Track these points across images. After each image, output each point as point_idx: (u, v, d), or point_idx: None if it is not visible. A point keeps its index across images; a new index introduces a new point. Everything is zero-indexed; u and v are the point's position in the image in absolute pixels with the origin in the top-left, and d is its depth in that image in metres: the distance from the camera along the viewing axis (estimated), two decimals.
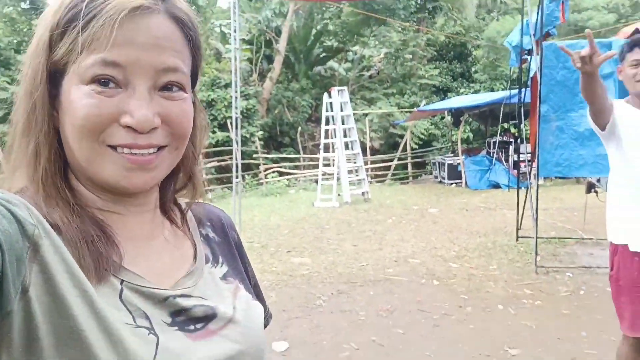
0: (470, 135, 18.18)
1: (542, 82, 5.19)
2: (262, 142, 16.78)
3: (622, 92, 5.05)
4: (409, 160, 16.89)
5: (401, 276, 5.39)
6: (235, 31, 6.74)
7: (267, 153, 17.23)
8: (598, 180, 5.89)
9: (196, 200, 0.78)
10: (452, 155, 14.52)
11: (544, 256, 5.79)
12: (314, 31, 21.05)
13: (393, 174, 16.54)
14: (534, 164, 6.79)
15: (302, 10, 20.71)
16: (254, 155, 15.85)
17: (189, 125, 0.66)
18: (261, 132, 17.28)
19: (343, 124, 11.13)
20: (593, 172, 5.35)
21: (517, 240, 6.64)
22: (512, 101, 12.09)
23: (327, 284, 5.20)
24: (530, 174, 6.48)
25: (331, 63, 22.11)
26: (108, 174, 0.61)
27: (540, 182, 10.11)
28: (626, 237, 2.53)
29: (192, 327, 0.65)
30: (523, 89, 6.96)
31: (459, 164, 13.31)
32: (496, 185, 12.59)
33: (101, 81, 0.59)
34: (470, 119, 16.25)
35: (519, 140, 14.03)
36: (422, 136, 18.55)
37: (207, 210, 0.84)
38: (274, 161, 17.12)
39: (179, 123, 0.64)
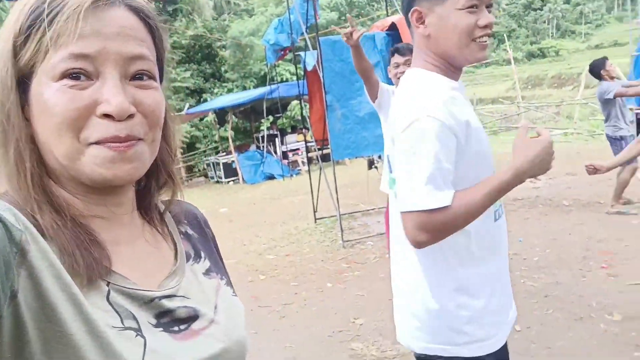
0: (233, 132, 18.66)
1: (324, 75, 5.67)
2: None
3: (388, 80, 5.87)
4: (181, 165, 16.51)
5: None
6: None
7: None
8: (379, 157, 6.72)
9: (175, 199, 0.79)
10: (224, 153, 14.72)
11: (344, 231, 6.37)
12: None
13: None
14: (319, 150, 7.38)
15: None
16: None
17: (161, 114, 0.66)
18: None
19: None
20: (376, 150, 6.10)
21: (315, 222, 7.16)
22: (272, 96, 12.87)
23: None
24: (319, 158, 7.01)
25: None
26: (90, 169, 0.61)
27: (306, 168, 11.03)
28: None
29: (176, 328, 0.66)
30: (301, 82, 7.46)
31: (233, 161, 13.58)
32: (271, 177, 13.24)
33: (72, 75, 0.59)
34: (235, 117, 16.66)
35: (284, 132, 15.00)
36: (185, 139, 18.30)
37: (184, 208, 0.84)
38: None
39: (152, 111, 0.64)
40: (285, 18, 8.52)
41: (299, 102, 13.68)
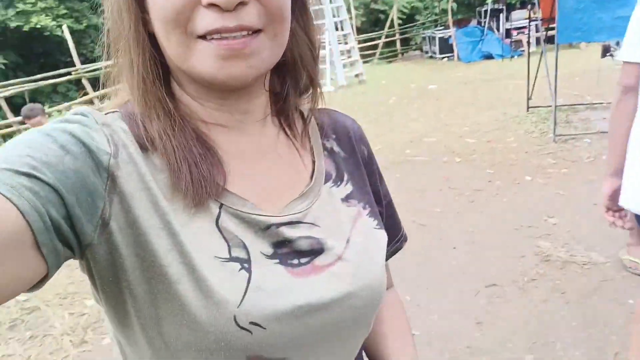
0: (455, 5, 17.52)
1: None
2: None
3: None
4: (397, 37, 16.33)
5: (421, 156, 5.38)
6: None
7: None
8: (617, 44, 5.73)
9: (316, 106, 0.67)
10: (442, 28, 14.04)
11: (558, 124, 5.77)
12: None
13: (380, 53, 16.07)
14: (544, 30, 6.57)
15: None
16: None
17: (284, 2, 0.54)
18: None
19: (330, 3, 10.52)
20: (611, 35, 5.16)
21: (527, 110, 6.61)
22: None
23: None
24: (542, 40, 6.26)
25: None
26: (202, 68, 0.53)
27: (532, 49, 9.93)
28: None
29: (296, 261, 0.58)
30: None
31: (450, 36, 12.92)
32: (489, 56, 12.36)
33: None
34: None
35: (510, 7, 13.57)
36: (405, 10, 17.82)
37: (334, 119, 0.72)
38: None
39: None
40: None
41: None
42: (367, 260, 0.63)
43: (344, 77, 10.54)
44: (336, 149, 0.70)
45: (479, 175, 4.67)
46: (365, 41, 16.29)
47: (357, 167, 0.71)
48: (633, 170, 1.61)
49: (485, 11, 13.20)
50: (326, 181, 0.66)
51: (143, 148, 0.54)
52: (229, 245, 0.54)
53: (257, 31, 0.53)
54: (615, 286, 2.77)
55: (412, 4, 18.21)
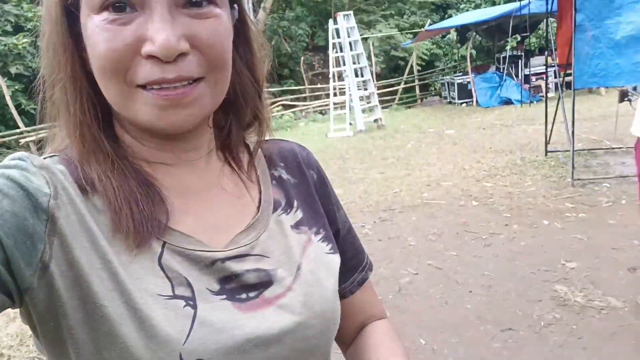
0: (474, 52, 17.81)
1: None
2: None
3: None
4: (416, 82, 16.59)
5: (438, 199, 5.40)
6: None
7: (268, 87, 16.88)
8: (634, 89, 5.78)
9: (268, 139, 0.68)
10: (461, 74, 14.23)
11: (577, 168, 5.76)
12: None
13: (399, 98, 16.32)
14: (562, 76, 6.65)
15: None
16: None
17: (224, 50, 0.54)
18: None
19: (351, 50, 10.82)
20: (630, 80, 5.23)
21: (546, 155, 6.61)
22: (522, 13, 11.74)
23: (366, 213, 5.21)
24: (560, 85, 6.35)
25: None
26: (142, 116, 0.53)
27: (551, 94, 9.99)
28: None
29: (244, 295, 0.57)
30: None
31: (468, 82, 13.09)
32: (508, 102, 12.44)
33: (115, 5, 0.50)
34: (477, 35, 15.81)
35: (529, 53, 13.74)
36: (424, 57, 18.17)
37: (281, 148, 0.73)
38: (276, 95, 16.82)
39: (211, 46, 0.52)
40: None
41: (554, 18, 12.25)
42: (318, 289, 0.62)
43: (363, 123, 10.70)
44: (285, 176, 0.70)
45: (495, 219, 4.67)
46: (384, 87, 16.58)
47: (308, 192, 0.71)
48: None
49: (504, 57, 13.39)
50: (275, 210, 0.66)
51: (83, 190, 0.53)
52: (172, 284, 0.53)
53: (197, 79, 0.53)
54: (634, 331, 2.72)
55: (432, 51, 18.57)
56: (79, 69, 0.54)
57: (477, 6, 19.14)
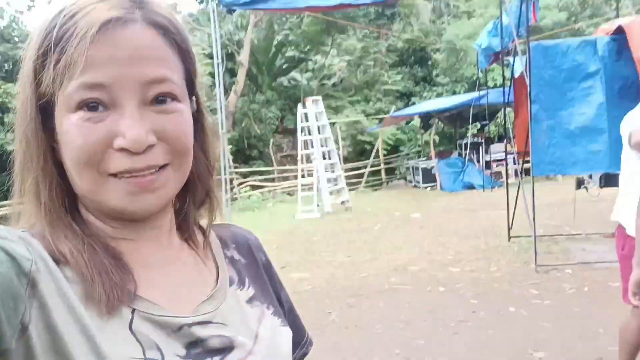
0: (437, 138, 18.51)
1: (531, 83, 5.27)
2: (231, 157, 16.58)
3: (609, 91, 5.20)
4: (382, 166, 16.98)
5: (405, 285, 5.35)
6: (217, 41, 6.59)
7: (237, 167, 17.02)
8: (590, 176, 6.02)
9: (214, 217, 0.74)
10: (425, 158, 14.68)
11: (539, 254, 5.84)
12: (275, 42, 21.01)
13: (366, 181, 16.60)
14: (520, 163, 6.90)
15: (263, 22, 20.65)
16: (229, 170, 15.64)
17: (187, 140, 0.61)
18: (230, 147, 17.07)
19: (319, 133, 11.09)
20: (585, 168, 5.47)
21: (509, 240, 6.72)
22: (481, 102, 12.37)
23: (333, 299, 5.10)
24: (519, 172, 6.58)
25: (293, 73, 22.15)
26: (113, 202, 0.58)
27: (511, 180, 10.33)
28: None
29: (208, 359, 0.61)
30: (507, 89, 7.06)
31: (432, 167, 13.47)
32: (470, 187, 12.78)
33: (90, 105, 0.56)
34: (440, 122, 16.50)
35: (489, 140, 14.33)
36: (390, 142, 18.75)
37: (232, 232, 0.79)
38: (245, 175, 16.92)
39: (176, 138, 0.59)
40: (500, 21, 8.13)
41: (510, 109, 12.97)
42: (276, 354, 0.67)
43: (330, 204, 10.76)
44: (237, 257, 0.75)
45: (463, 305, 4.62)
46: (351, 170, 16.89)
47: (258, 272, 0.77)
48: None
49: (466, 144, 13.92)
50: (230, 284, 0.70)
51: (55, 261, 0.56)
52: (143, 348, 0.56)
53: (163, 166, 0.59)
54: None
55: (397, 136, 19.21)
56: (50, 159, 0.59)
57: (439, 95, 20.15)
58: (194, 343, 0.60)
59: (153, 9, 0.59)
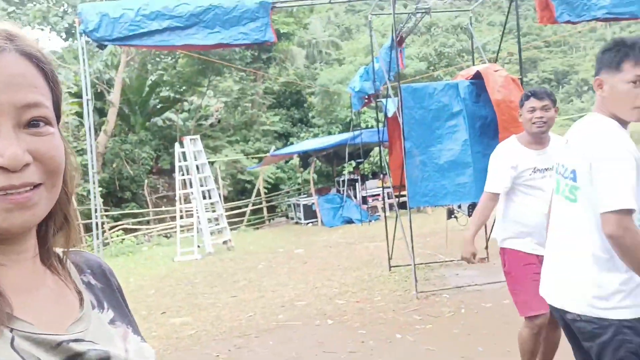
0: (315, 176, 19.00)
1: (403, 122, 5.63)
2: (101, 199, 15.51)
3: (471, 129, 5.72)
4: (264, 204, 16.95)
5: (294, 320, 5.30)
6: (86, 78, 6.20)
7: (108, 210, 15.95)
8: (459, 207, 6.50)
9: (72, 245, 0.78)
10: (305, 195, 14.94)
11: (419, 281, 6.14)
12: (148, 82, 20.39)
13: (247, 220, 16.43)
14: (396, 197, 7.28)
15: (135, 62, 19.99)
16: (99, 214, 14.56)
17: (61, 160, 0.66)
18: (99, 189, 15.99)
19: (198, 172, 10.81)
20: (454, 199, 5.90)
21: (389, 270, 6.98)
22: (355, 142, 12.98)
23: (219, 341, 4.88)
24: (395, 205, 6.93)
25: (168, 114, 21.61)
26: None
27: (388, 213, 10.87)
28: (511, 241, 3.17)
29: None
30: (381, 129, 7.47)
31: (313, 204, 13.72)
32: (349, 221, 13.20)
33: None
34: (318, 161, 16.97)
35: (365, 177, 15.02)
36: (270, 180, 18.86)
37: (86, 258, 0.83)
38: (116, 218, 15.92)
39: (50, 158, 0.64)
40: (371, 66, 8.66)
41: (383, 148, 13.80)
42: None
43: (212, 245, 10.46)
44: (93, 282, 0.79)
45: (352, 336, 4.67)
46: (232, 209, 16.65)
47: (114, 295, 0.82)
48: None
49: (343, 181, 14.43)
50: (93, 308, 0.74)
51: None
52: None
53: (37, 185, 0.62)
54: None
55: (277, 175, 19.40)
56: None
57: (316, 135, 20.83)
58: (72, 357, 0.64)
59: (24, 41, 0.64)
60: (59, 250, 0.77)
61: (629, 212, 1.73)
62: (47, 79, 0.67)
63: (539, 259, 2.66)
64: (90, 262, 0.83)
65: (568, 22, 5.69)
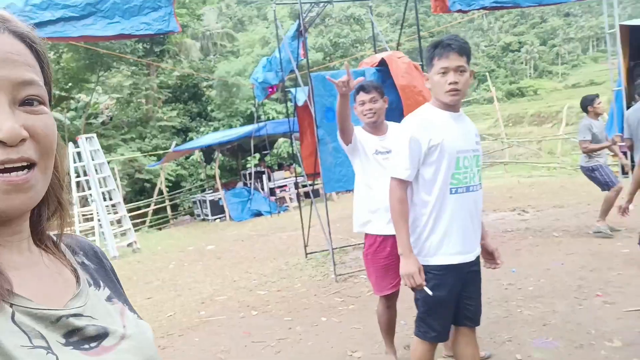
0: (219, 171, 18.65)
1: (315, 110, 5.72)
2: None
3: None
4: (167, 203, 16.37)
5: (217, 315, 5.22)
6: None
7: None
8: None
9: (65, 230, 0.79)
10: (212, 191, 14.64)
11: (336, 265, 6.30)
12: None
13: (150, 220, 15.79)
14: (310, 184, 7.38)
15: None
16: None
17: (54, 139, 0.67)
18: None
19: (97, 173, 10.21)
20: None
21: (306, 257, 7.08)
22: (260, 134, 12.92)
23: None
24: (310, 193, 7.02)
25: (54, 113, 20.03)
26: None
27: (294, 204, 10.99)
28: (365, 226, 3.46)
29: (86, 346, 0.67)
30: (292, 119, 7.51)
31: (220, 198, 13.49)
32: (258, 214, 13.16)
33: None
34: (221, 155, 16.67)
35: (272, 169, 15.00)
36: (171, 178, 18.24)
37: (78, 241, 0.86)
38: None
39: (45, 136, 0.65)
40: (274, 57, 8.67)
41: (287, 139, 13.85)
42: (146, 338, 0.76)
43: (116, 248, 9.95)
44: (87, 262, 0.82)
45: (278, 324, 4.70)
46: (132, 210, 15.89)
47: (108, 275, 0.84)
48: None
49: (250, 174, 14.33)
50: (89, 286, 0.76)
51: None
52: (29, 337, 0.60)
53: (32, 166, 0.63)
54: None
55: (177, 172, 18.79)
56: None
57: (216, 129, 20.42)
58: (72, 332, 0.66)
59: (16, 24, 0.66)
60: (52, 234, 0.78)
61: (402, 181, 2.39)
62: (39, 60, 0.68)
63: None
64: (82, 245, 0.85)
65: (459, 11, 6.08)
